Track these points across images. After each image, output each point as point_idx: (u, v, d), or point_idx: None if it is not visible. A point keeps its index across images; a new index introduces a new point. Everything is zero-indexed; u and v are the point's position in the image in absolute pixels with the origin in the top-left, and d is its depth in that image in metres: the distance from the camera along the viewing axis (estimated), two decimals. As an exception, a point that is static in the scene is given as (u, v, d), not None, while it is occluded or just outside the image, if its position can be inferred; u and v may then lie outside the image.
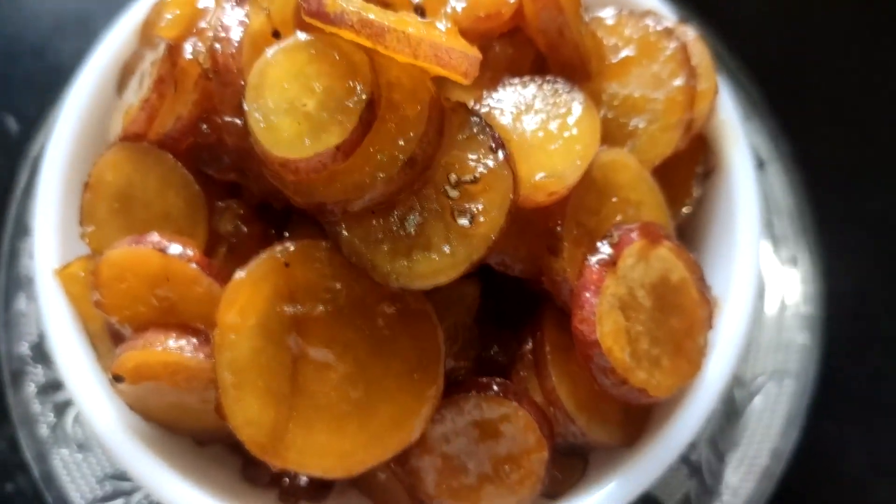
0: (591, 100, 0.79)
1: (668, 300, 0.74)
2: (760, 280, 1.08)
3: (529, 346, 0.75)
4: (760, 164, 1.19)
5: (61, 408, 1.06)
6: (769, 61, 1.25)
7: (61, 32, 1.35)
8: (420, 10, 0.71)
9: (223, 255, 0.73)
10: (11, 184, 1.19)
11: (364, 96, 0.61)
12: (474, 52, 0.63)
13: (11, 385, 1.06)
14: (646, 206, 0.77)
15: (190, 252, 0.69)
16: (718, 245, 0.84)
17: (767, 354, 1.10)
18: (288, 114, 0.62)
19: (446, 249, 0.63)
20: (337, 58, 0.62)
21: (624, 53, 0.82)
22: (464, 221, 0.63)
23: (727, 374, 0.78)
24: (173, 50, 0.70)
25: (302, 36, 0.63)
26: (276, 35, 0.69)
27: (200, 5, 0.72)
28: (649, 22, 0.82)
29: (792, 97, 1.23)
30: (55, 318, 0.78)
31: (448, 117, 0.66)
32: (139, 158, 0.74)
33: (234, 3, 0.69)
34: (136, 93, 0.78)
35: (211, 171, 0.72)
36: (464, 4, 0.72)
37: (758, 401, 1.07)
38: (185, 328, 0.71)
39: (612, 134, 0.81)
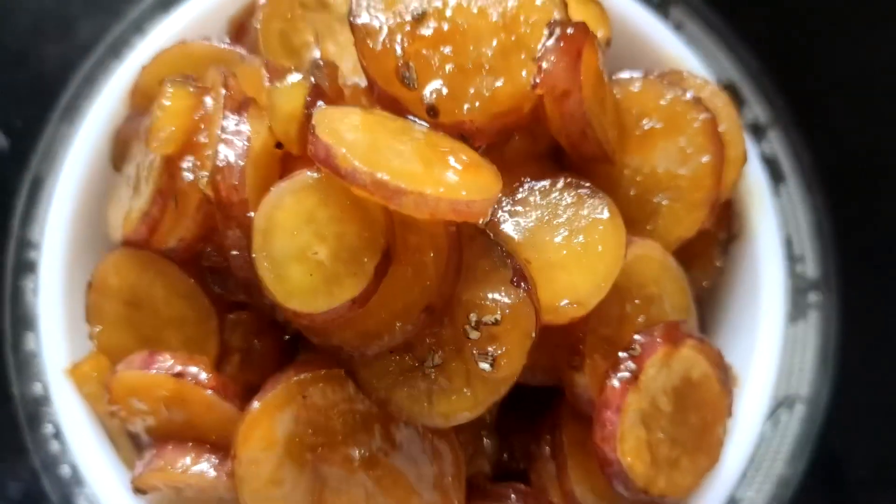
0: (612, 179, 0.76)
1: (689, 398, 0.73)
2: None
3: (548, 446, 0.74)
4: (781, 178, 1.15)
5: (81, 446, 1.07)
6: (795, 62, 1.18)
7: (42, 35, 1.26)
8: (433, 112, 0.66)
9: (236, 364, 0.72)
10: (6, 205, 1.15)
11: (379, 247, 0.58)
12: (494, 191, 0.59)
13: (28, 427, 1.07)
14: (668, 297, 0.75)
15: (204, 376, 0.68)
16: (741, 318, 0.83)
17: (780, 380, 1.10)
18: (299, 262, 0.58)
19: (466, 392, 0.62)
20: (349, 201, 0.58)
21: (649, 125, 0.77)
22: (485, 366, 0.61)
23: (745, 461, 0.78)
24: (171, 164, 0.65)
25: (310, 174, 0.59)
26: (280, 146, 0.65)
27: (198, 115, 0.66)
28: (677, 91, 0.76)
29: (819, 104, 1.17)
30: (72, 417, 0.78)
31: (467, 246, 0.62)
32: (143, 266, 0.72)
33: (233, 114, 0.64)
34: (129, 185, 0.74)
35: (218, 289, 0.69)
36: (479, 102, 0.66)
37: (767, 427, 1.09)
38: (202, 444, 0.71)
39: (632, 211, 0.77)
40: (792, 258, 1.13)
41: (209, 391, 0.67)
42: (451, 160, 0.59)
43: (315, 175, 0.59)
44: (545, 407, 0.76)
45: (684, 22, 1.19)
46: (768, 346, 0.80)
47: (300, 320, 0.60)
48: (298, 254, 0.59)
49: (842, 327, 1.11)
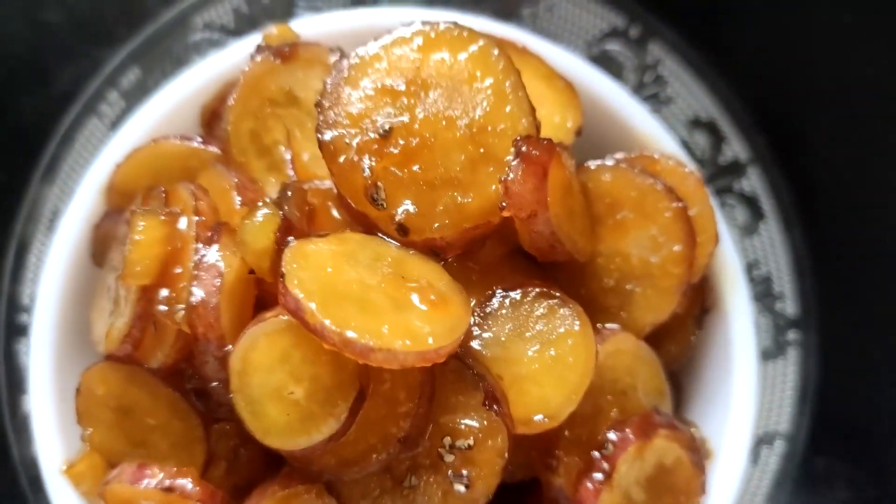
0: (584, 268, 0.77)
1: (663, 483, 0.76)
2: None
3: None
4: (761, 216, 1.16)
5: (85, 506, 1.11)
6: (774, 99, 1.18)
7: (17, 86, 1.25)
8: (403, 230, 0.67)
9: (223, 469, 0.74)
10: (-7, 266, 1.17)
11: (353, 388, 0.59)
12: (460, 330, 0.60)
13: (31, 491, 1.11)
14: (642, 384, 0.77)
15: (190, 488, 0.70)
16: (715, 391, 0.85)
17: (759, 416, 1.13)
18: (275, 402, 0.60)
19: (444, 509, 0.64)
20: (322, 344, 0.60)
21: (620, 215, 0.78)
22: (460, 488, 0.63)
23: (720, 526, 0.81)
24: (147, 291, 0.67)
25: (282, 318, 0.60)
26: (252, 272, 0.66)
27: (171, 243, 0.67)
28: (648, 180, 0.77)
29: (798, 141, 1.17)
30: (70, 512, 0.80)
31: (440, 370, 0.64)
32: (127, 379, 0.73)
33: (205, 246, 0.65)
34: (110, 294, 0.75)
35: (201, 407, 0.71)
36: (449, 220, 0.67)
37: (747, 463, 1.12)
38: (197, 544, 0.73)
39: (607, 300, 0.79)
40: (772, 296, 1.15)
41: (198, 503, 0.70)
42: (417, 300, 0.61)
43: (287, 318, 0.60)
44: (523, 497, 0.79)
45: (663, 58, 1.18)
46: (743, 414, 0.82)
47: (280, 451, 0.62)
48: (274, 393, 0.60)
49: (821, 363, 1.13)
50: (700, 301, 0.85)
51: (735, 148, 1.16)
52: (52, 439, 0.81)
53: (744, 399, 0.83)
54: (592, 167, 0.79)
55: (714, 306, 0.85)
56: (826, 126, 1.16)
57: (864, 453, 1.16)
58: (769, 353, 1.14)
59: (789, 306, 1.14)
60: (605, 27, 1.17)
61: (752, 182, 1.16)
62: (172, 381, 0.73)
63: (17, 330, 1.14)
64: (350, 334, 0.55)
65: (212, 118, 0.85)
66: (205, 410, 0.71)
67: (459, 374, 0.65)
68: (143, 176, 0.80)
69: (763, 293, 1.14)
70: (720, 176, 1.17)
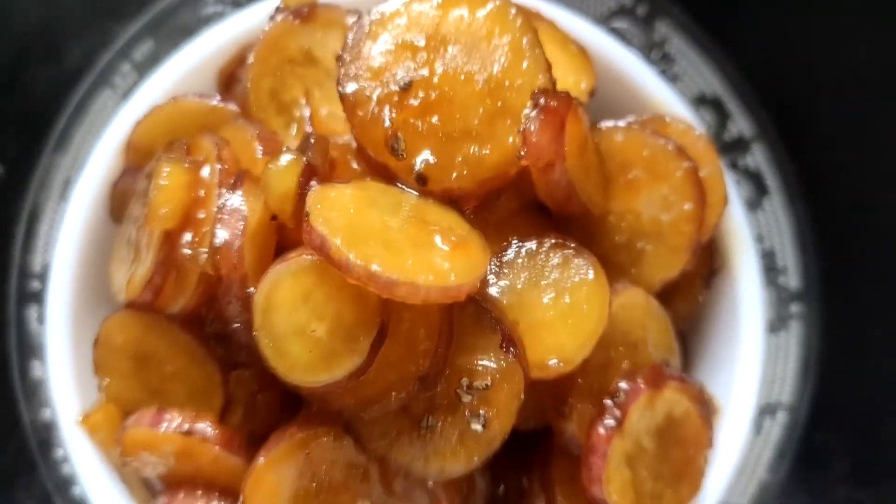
0: (598, 226, 0.79)
1: (672, 435, 0.77)
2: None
3: (538, 482, 0.79)
4: (765, 192, 1.17)
5: (91, 469, 1.12)
6: (778, 77, 1.20)
7: (31, 60, 1.27)
8: (422, 180, 0.68)
9: (241, 415, 0.75)
10: (5, 233, 1.18)
11: (374, 325, 0.61)
12: (481, 269, 0.62)
13: (39, 453, 1.11)
14: (652, 338, 0.79)
15: (210, 431, 0.72)
16: (722, 350, 0.86)
17: (763, 388, 1.14)
18: (298, 339, 0.62)
19: (460, 450, 0.66)
20: (344, 282, 0.61)
21: (632, 174, 0.79)
22: (477, 427, 0.65)
23: (726, 485, 0.82)
24: (171, 237, 0.68)
25: (306, 257, 0.62)
26: (275, 218, 0.67)
27: (195, 190, 0.68)
28: (659, 141, 0.79)
29: (801, 118, 1.19)
30: (85, 464, 0.81)
31: (459, 313, 0.66)
32: (147, 326, 0.75)
33: (229, 191, 0.66)
34: (130, 247, 0.76)
35: (221, 351, 0.72)
36: (467, 170, 0.69)
37: (750, 433, 1.13)
38: (212, 489, 0.75)
39: (617, 256, 0.80)
40: (775, 270, 1.17)
41: (216, 447, 0.71)
42: (439, 241, 0.62)
43: (310, 257, 0.62)
44: (535, 445, 0.81)
45: (670, 36, 1.20)
46: (749, 376, 0.84)
47: (300, 389, 0.63)
48: (297, 331, 0.62)
49: (823, 337, 1.15)
50: (709, 262, 0.87)
51: (740, 125, 1.18)
52: (68, 393, 0.82)
53: (750, 359, 0.85)
54: (605, 128, 0.80)
55: (722, 268, 0.87)
56: (829, 103, 1.18)
57: (863, 426, 1.18)
58: (773, 326, 1.15)
59: (792, 280, 1.16)
60: (612, 5, 1.19)
61: (757, 158, 1.18)
62: (191, 328, 0.74)
63: (28, 296, 1.15)
64: (374, 268, 0.56)
65: (229, 80, 0.87)
66: (224, 355, 0.72)
67: (477, 317, 0.66)
68: (163, 133, 0.81)
69: (767, 267, 1.16)
70: (725, 152, 1.18)
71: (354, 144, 0.73)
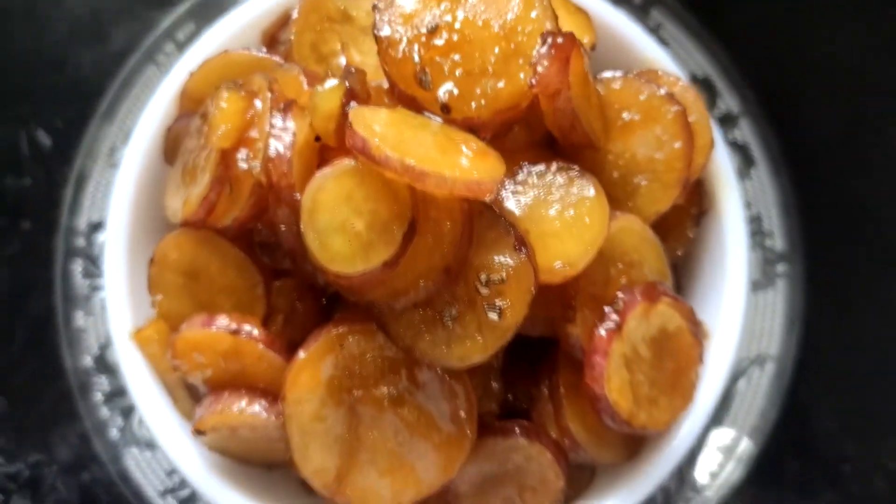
0: (598, 163, 0.88)
1: (666, 346, 0.86)
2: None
3: (546, 388, 0.87)
4: (752, 163, 1.28)
5: (127, 412, 1.20)
6: (763, 59, 1.31)
7: (78, 42, 1.38)
8: (446, 109, 0.79)
9: (281, 323, 0.85)
10: (55, 198, 1.28)
11: (406, 218, 0.70)
12: (499, 173, 0.72)
13: (80, 395, 1.20)
14: (647, 263, 0.88)
15: (256, 332, 0.81)
16: (711, 281, 0.96)
17: (752, 341, 1.23)
18: (340, 234, 0.71)
19: (478, 338, 0.75)
20: (380, 182, 0.71)
21: (629, 117, 0.90)
22: (493, 316, 0.74)
23: (715, 400, 0.91)
24: (226, 156, 0.78)
25: (348, 162, 0.72)
26: (318, 140, 0.78)
27: (249, 114, 0.79)
28: (653, 87, 0.89)
29: (785, 96, 1.30)
30: (134, 373, 0.90)
31: (476, 219, 0.75)
32: (200, 243, 0.84)
33: (281, 114, 0.77)
34: (185, 181, 0.86)
35: (267, 260, 0.82)
36: (485, 101, 0.79)
37: (742, 383, 1.22)
38: (254, 390, 0.83)
39: (615, 191, 0.90)
40: (762, 233, 1.27)
41: (260, 345, 0.80)
42: (464, 149, 0.72)
43: (352, 162, 0.72)
44: (544, 358, 0.90)
45: (663, 23, 1.32)
46: (734, 304, 0.93)
47: (340, 282, 0.73)
48: (339, 227, 0.71)
49: (807, 294, 1.24)
50: (698, 203, 0.97)
51: (728, 102, 1.29)
52: (123, 311, 0.91)
53: (736, 289, 0.94)
54: (604, 77, 0.91)
55: (710, 209, 0.97)
56: (812, 83, 1.30)
57: (847, 381, 1.27)
58: (759, 284, 1.25)
59: (778, 242, 1.26)
60: (610, -6, 1.31)
61: (744, 132, 1.29)
62: (239, 242, 0.84)
63: (73, 251, 1.25)
64: (409, 161, 0.67)
65: (271, 42, 0.98)
66: (269, 263, 0.81)
67: (492, 223, 0.76)
68: (215, 81, 0.91)
69: (754, 231, 1.26)
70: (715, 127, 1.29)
71: (386, 85, 0.83)
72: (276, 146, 0.74)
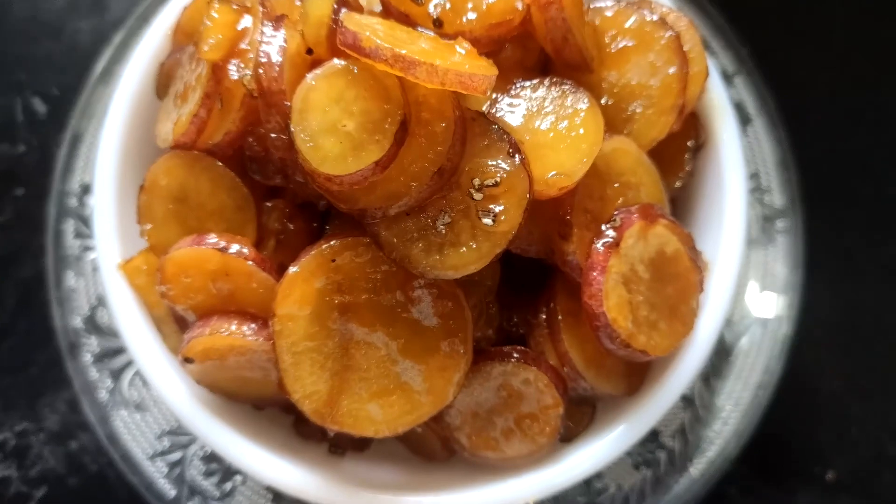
0: (593, 91, 0.88)
1: (664, 270, 0.84)
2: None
3: (544, 315, 0.85)
4: (748, 120, 1.28)
5: (117, 373, 1.18)
6: (757, 16, 1.32)
7: (76, 12, 1.39)
8: (438, 23, 0.78)
9: (272, 247, 0.83)
10: (48, 165, 1.27)
11: (398, 117, 0.69)
12: (492, 71, 0.71)
13: (69, 356, 1.17)
14: (644, 187, 0.87)
15: (246, 251, 0.79)
16: (709, 213, 0.94)
17: (751, 300, 1.21)
18: (330, 134, 0.70)
19: (473, 245, 0.73)
20: (371, 82, 0.70)
21: (622, 44, 0.89)
22: (487, 221, 0.72)
23: (716, 331, 0.89)
24: (217, 70, 0.77)
25: (338, 62, 0.71)
26: (310, 52, 0.77)
27: (240, 27, 0.78)
28: (645, 13, 0.89)
29: (778, 53, 1.30)
30: (122, 307, 0.88)
31: (469, 126, 0.74)
32: (190, 164, 0.83)
33: (272, 25, 0.76)
34: (176, 104, 0.86)
35: (258, 177, 0.81)
36: (476, 15, 0.79)
37: (745, 340, 1.20)
38: (243, 314, 0.81)
39: (611, 119, 0.89)
40: (760, 190, 1.26)
41: (250, 262, 0.78)
42: (457, 48, 0.72)
43: (343, 63, 0.71)
44: (541, 286, 0.88)
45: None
46: (734, 235, 0.91)
47: (331, 186, 0.72)
48: (330, 127, 0.70)
49: (807, 250, 1.23)
50: (695, 135, 0.96)
51: (723, 61, 1.29)
52: (111, 242, 0.89)
53: (735, 220, 0.92)
54: (596, 6, 0.91)
55: (706, 141, 0.96)
56: (804, 39, 1.31)
57: (849, 340, 1.25)
58: (759, 242, 1.23)
59: (776, 199, 1.25)
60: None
61: (739, 91, 1.29)
62: (230, 163, 0.82)
63: (65, 212, 1.24)
64: (400, 50, 0.66)
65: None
66: (261, 177, 0.80)
67: (485, 129, 0.75)
68: (208, 14, 0.91)
69: (753, 188, 1.25)
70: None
71: (378, 10, 0.83)
72: (268, 51, 0.73)
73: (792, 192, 1.24)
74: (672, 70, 0.88)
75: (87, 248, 1.22)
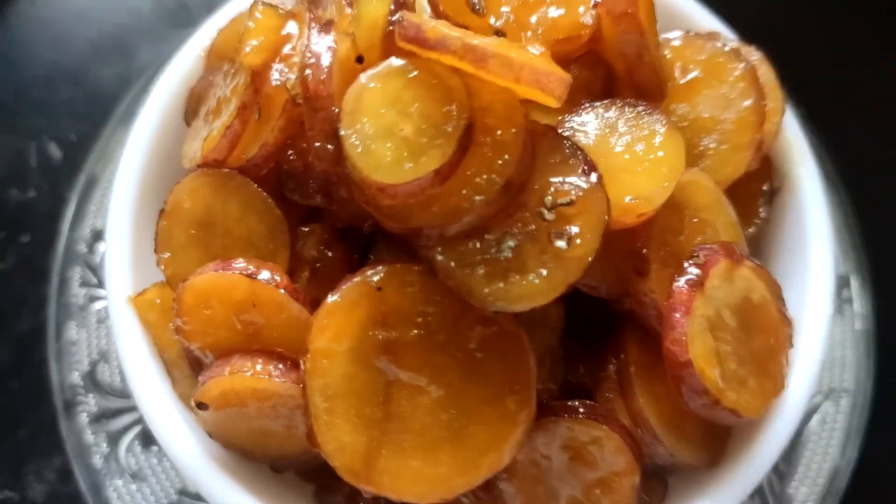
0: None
1: (751, 320, 0.74)
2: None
3: (613, 367, 0.74)
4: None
5: (114, 437, 1.05)
6: (809, 79, 1.27)
7: (99, 58, 1.35)
8: (500, 36, 0.72)
9: (306, 279, 0.73)
10: (58, 211, 1.19)
11: (462, 121, 0.61)
12: (567, 76, 0.63)
13: (64, 415, 1.05)
14: (721, 227, 0.78)
15: (278, 277, 0.69)
16: (791, 264, 0.84)
17: (823, 373, 1.10)
18: (385, 139, 0.62)
19: (543, 272, 0.63)
20: (432, 82, 0.63)
21: (692, 75, 0.83)
22: (561, 244, 0.63)
23: (808, 394, 0.77)
24: (257, 77, 0.70)
25: (395, 61, 0.64)
26: (360, 60, 0.70)
27: (284, 32, 0.72)
28: (717, 43, 0.83)
29: (833, 115, 1.24)
30: (129, 345, 0.77)
31: (539, 141, 0.66)
32: (219, 184, 0.74)
33: (320, 29, 0.69)
34: (207, 120, 0.78)
35: (296, 196, 0.72)
36: (542, 29, 0.72)
37: (815, 420, 1.07)
38: (269, 354, 0.71)
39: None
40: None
41: (282, 290, 0.68)
42: (529, 48, 0.64)
43: (400, 62, 0.64)
44: (603, 335, 0.77)
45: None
46: (821, 290, 0.81)
47: (383, 199, 0.62)
48: (385, 131, 0.62)
49: (877, 316, 1.12)
50: (768, 179, 0.87)
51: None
52: (123, 273, 0.79)
53: (821, 270, 0.82)
54: (663, 38, 0.85)
55: (782, 186, 0.87)
56: (863, 95, 1.26)
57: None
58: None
59: (840, 265, 1.15)
60: None
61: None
62: (263, 184, 0.74)
63: (73, 258, 1.15)
64: (470, 40, 0.58)
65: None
66: (299, 198, 0.71)
67: (557, 145, 0.66)
68: (245, 37, 0.86)
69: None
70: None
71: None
72: (315, 51, 0.66)
73: (858, 261, 1.15)
74: (748, 103, 0.81)
75: (94, 298, 1.12)
